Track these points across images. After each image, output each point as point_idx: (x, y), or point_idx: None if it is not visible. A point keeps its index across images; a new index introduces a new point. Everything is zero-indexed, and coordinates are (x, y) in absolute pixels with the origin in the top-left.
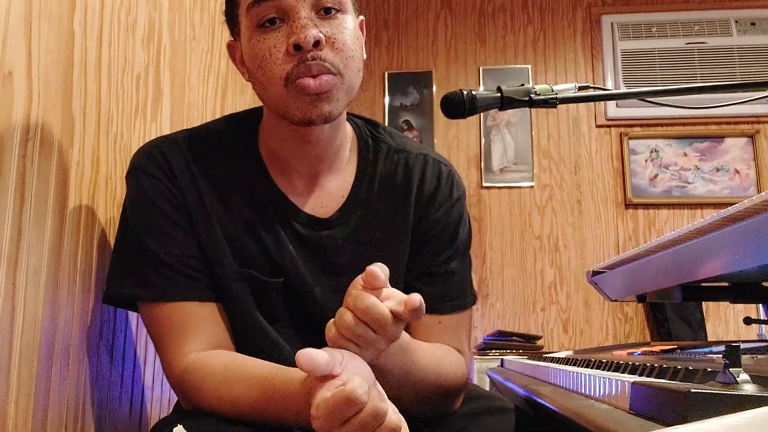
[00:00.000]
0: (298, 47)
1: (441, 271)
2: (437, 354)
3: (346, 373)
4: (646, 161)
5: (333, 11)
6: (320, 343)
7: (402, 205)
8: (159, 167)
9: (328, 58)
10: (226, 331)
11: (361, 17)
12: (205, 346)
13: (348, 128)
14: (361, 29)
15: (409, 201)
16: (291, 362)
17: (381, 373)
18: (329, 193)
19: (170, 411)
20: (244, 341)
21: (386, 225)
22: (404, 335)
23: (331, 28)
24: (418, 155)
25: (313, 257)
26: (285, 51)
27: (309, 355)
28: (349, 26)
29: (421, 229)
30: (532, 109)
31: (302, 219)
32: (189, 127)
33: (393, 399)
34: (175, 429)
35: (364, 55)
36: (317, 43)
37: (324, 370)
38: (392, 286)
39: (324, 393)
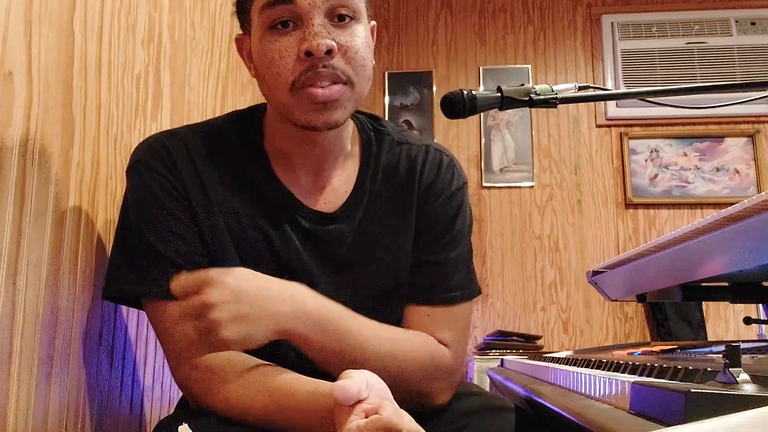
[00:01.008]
0: (309, 54)
1: (436, 261)
2: (392, 335)
3: (372, 396)
4: (646, 161)
5: (347, 19)
6: None
7: (406, 195)
8: (161, 161)
9: (339, 66)
10: None
11: (373, 23)
12: None
13: (351, 124)
14: (372, 35)
15: (412, 191)
16: (292, 358)
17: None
18: (333, 187)
19: (170, 411)
20: None
21: (391, 217)
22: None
23: (344, 36)
24: (420, 146)
25: (319, 252)
26: (296, 56)
27: (345, 388)
28: (361, 35)
29: (421, 218)
30: (532, 109)
31: (307, 214)
32: (191, 123)
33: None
34: (180, 427)
35: (374, 61)
36: (329, 52)
37: (356, 398)
38: (399, 277)
39: (355, 420)
